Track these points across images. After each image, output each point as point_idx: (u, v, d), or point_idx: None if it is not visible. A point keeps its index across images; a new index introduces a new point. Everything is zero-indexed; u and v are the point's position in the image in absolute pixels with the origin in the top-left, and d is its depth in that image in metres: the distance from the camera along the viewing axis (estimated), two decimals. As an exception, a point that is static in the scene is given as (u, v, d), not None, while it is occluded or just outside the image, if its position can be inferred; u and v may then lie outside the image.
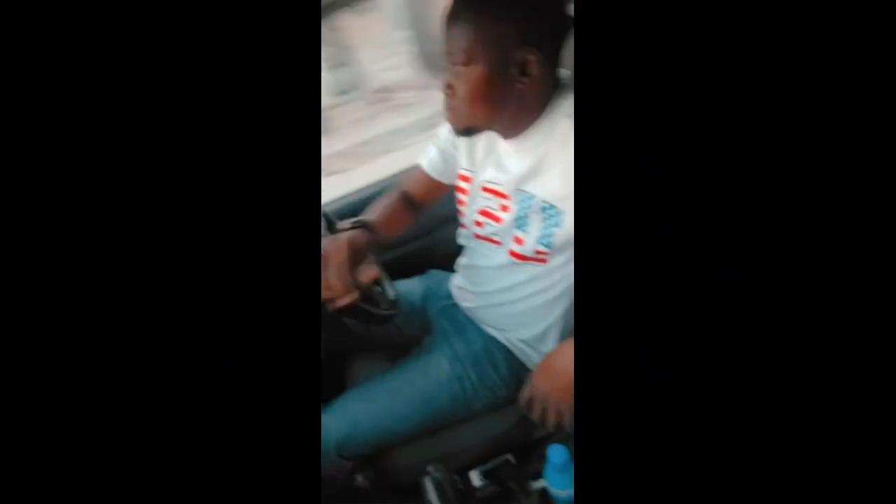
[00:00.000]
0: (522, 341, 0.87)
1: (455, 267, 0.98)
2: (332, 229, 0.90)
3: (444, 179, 0.94)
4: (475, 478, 0.81)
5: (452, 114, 0.73)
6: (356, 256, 0.76)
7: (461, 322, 0.93)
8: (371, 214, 0.90)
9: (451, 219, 0.94)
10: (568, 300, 0.82)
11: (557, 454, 0.71)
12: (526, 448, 0.86)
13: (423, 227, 1.15)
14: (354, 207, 1.12)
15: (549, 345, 0.85)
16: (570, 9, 0.69)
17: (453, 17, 0.68)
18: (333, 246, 0.75)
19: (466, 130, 0.74)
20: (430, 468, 0.76)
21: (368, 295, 0.80)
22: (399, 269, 1.08)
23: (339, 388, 0.94)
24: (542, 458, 0.73)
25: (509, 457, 0.84)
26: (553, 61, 0.71)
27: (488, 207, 0.82)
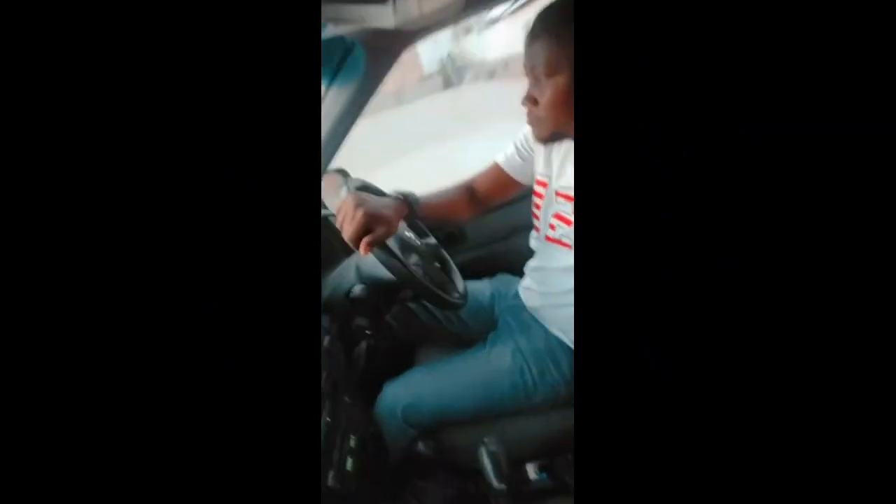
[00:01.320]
0: None
1: (525, 270, 1.03)
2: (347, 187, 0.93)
3: (519, 177, 0.99)
4: (531, 470, 0.83)
5: (535, 123, 0.77)
6: (372, 221, 0.75)
7: (526, 320, 0.98)
8: (423, 194, 0.94)
9: (523, 228, 1.00)
10: None
11: None
12: None
13: (498, 233, 1.22)
14: None
15: None
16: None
17: (536, 31, 0.73)
18: (353, 203, 0.75)
19: (549, 138, 0.79)
20: (486, 439, 0.77)
21: (441, 283, 0.86)
22: (472, 269, 1.14)
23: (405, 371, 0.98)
24: None
25: (569, 456, 0.86)
26: None
27: (562, 212, 0.87)
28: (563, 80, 0.72)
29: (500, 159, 1.00)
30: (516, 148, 0.97)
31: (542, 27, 0.72)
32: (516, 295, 1.04)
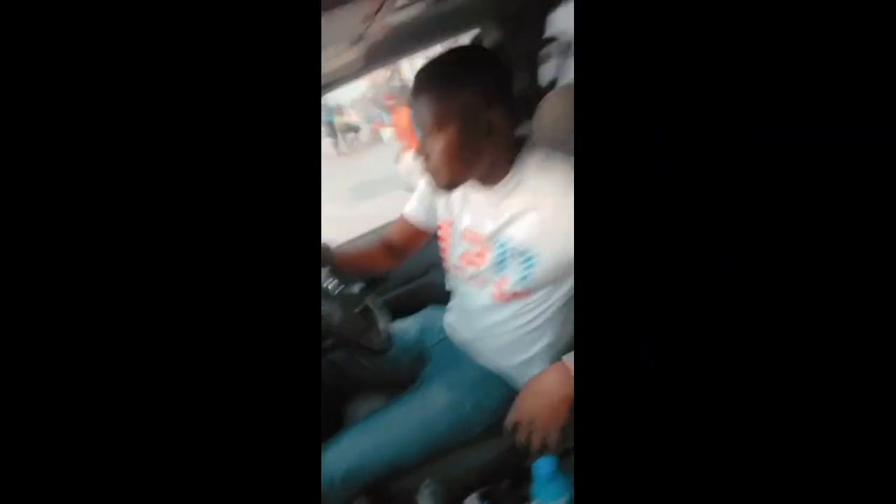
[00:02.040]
0: (513, 367, 0.92)
1: (448, 306, 1.05)
2: None
3: (426, 227, 1.01)
4: (472, 502, 0.83)
5: (433, 173, 0.79)
6: None
7: (455, 354, 0.99)
8: (340, 246, 0.95)
9: (441, 261, 1.00)
10: (553, 325, 0.88)
11: (543, 467, 0.73)
12: (523, 471, 0.87)
13: (421, 268, 1.23)
14: None
15: (538, 368, 0.89)
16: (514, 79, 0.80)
17: (420, 89, 0.75)
18: None
19: (448, 186, 0.80)
20: (424, 483, 0.78)
21: (362, 330, 0.87)
22: (400, 306, 1.15)
23: (338, 426, 0.97)
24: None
25: (507, 481, 0.87)
26: (512, 120, 0.79)
27: (469, 252, 0.89)
28: (451, 133, 0.73)
29: (406, 211, 1.01)
30: (418, 199, 0.99)
31: (424, 84, 0.75)
32: (444, 329, 1.05)
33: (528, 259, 0.80)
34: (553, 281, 0.82)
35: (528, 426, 0.79)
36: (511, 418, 0.81)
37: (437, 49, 0.89)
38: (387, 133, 8.67)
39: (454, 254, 0.92)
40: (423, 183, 0.96)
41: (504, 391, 0.92)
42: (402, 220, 1.02)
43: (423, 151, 0.77)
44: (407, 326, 1.11)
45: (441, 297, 1.07)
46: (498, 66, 0.78)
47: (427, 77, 0.75)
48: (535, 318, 0.86)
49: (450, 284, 0.99)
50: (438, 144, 0.74)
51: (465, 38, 1.19)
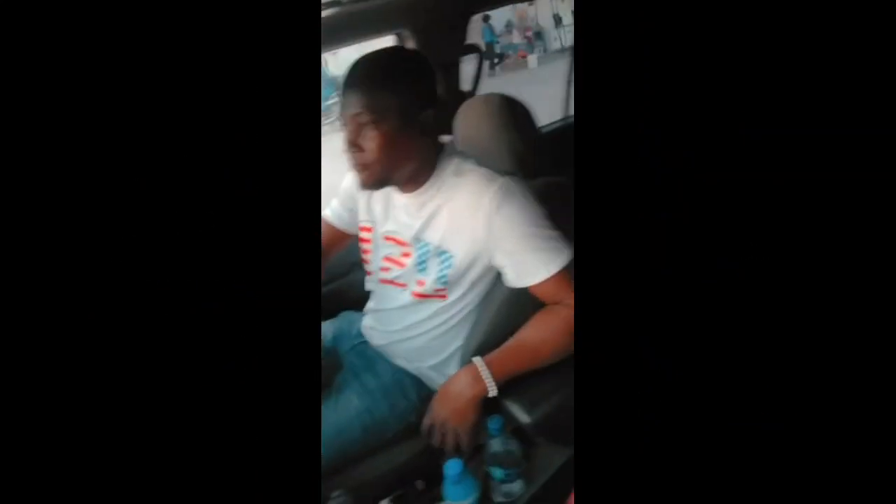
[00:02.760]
0: (430, 368, 0.94)
1: (365, 310, 1.04)
2: None
3: (348, 229, 1.00)
4: None
5: (361, 170, 0.78)
6: None
7: (371, 357, 0.99)
8: None
9: (360, 264, 1.00)
10: (466, 327, 0.90)
11: (452, 468, 0.75)
12: (437, 472, 0.88)
13: (336, 272, 1.23)
14: None
15: (452, 368, 0.91)
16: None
17: (358, 81, 0.75)
18: None
19: (375, 184, 0.80)
20: (332, 495, 0.77)
21: None
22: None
23: None
24: None
25: (419, 482, 0.87)
26: (436, 125, 0.80)
27: (392, 255, 0.90)
28: (388, 129, 0.73)
29: (327, 213, 1.01)
30: (340, 201, 0.99)
31: (363, 77, 0.75)
32: (360, 333, 1.04)
33: (446, 259, 0.83)
34: (468, 281, 0.85)
35: (440, 428, 0.81)
36: (426, 421, 0.84)
37: (351, 49, 0.88)
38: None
39: (377, 256, 0.92)
40: (345, 183, 0.96)
41: (420, 393, 0.93)
42: (324, 224, 1.01)
43: (353, 145, 0.76)
44: (322, 331, 1.09)
45: (358, 302, 1.07)
46: (430, 71, 0.80)
47: (367, 70, 0.76)
48: (451, 318, 0.88)
49: (369, 285, 0.99)
50: (374, 140, 0.74)
51: (379, 43, 1.19)
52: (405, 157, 0.78)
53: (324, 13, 0.73)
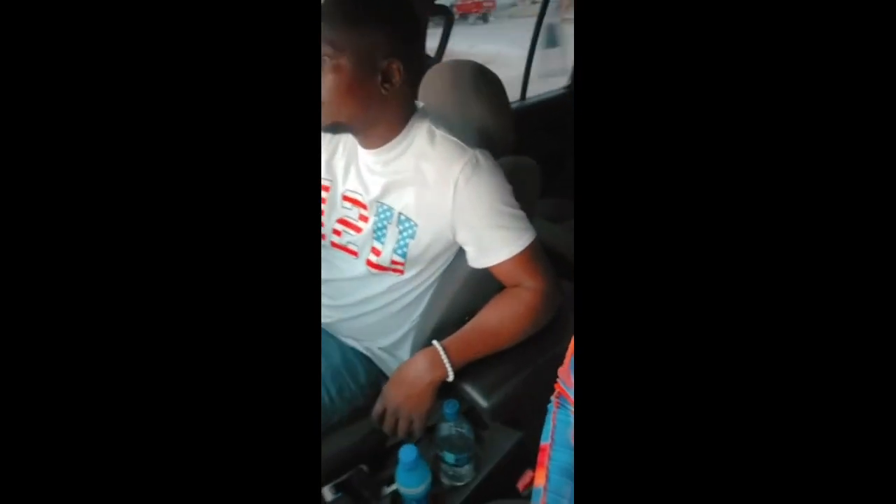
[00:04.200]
0: (381, 349, 0.91)
1: None
2: None
3: None
4: (327, 493, 0.81)
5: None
6: None
7: None
8: None
9: None
10: (421, 306, 0.88)
11: (406, 454, 0.74)
12: (381, 456, 0.88)
13: None
14: None
15: (405, 350, 0.90)
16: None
17: (326, 9, 0.69)
18: None
19: (330, 127, 0.75)
20: (330, 499, 0.76)
21: None
22: None
23: None
24: (396, 464, 0.76)
25: (363, 466, 0.86)
26: (412, 83, 0.77)
27: (348, 217, 0.85)
28: (346, 63, 0.69)
29: None
30: None
31: (333, 7, 0.70)
32: None
33: (408, 228, 0.79)
34: (428, 256, 0.82)
35: (394, 414, 0.79)
36: (378, 407, 0.81)
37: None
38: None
39: (331, 218, 0.87)
40: None
41: (369, 376, 0.90)
42: None
43: None
44: None
45: None
46: (411, 18, 0.75)
47: (337, 3, 0.70)
48: (406, 294, 0.85)
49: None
50: (328, 75, 0.69)
51: None
52: (361, 104, 0.72)
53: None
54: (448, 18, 1.33)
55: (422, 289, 0.86)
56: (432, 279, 0.86)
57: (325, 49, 0.69)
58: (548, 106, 2.26)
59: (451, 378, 0.78)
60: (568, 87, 2.36)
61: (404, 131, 0.78)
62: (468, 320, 0.82)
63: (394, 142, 0.78)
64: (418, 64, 0.76)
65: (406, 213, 0.79)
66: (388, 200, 0.80)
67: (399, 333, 0.89)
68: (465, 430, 0.81)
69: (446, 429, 0.80)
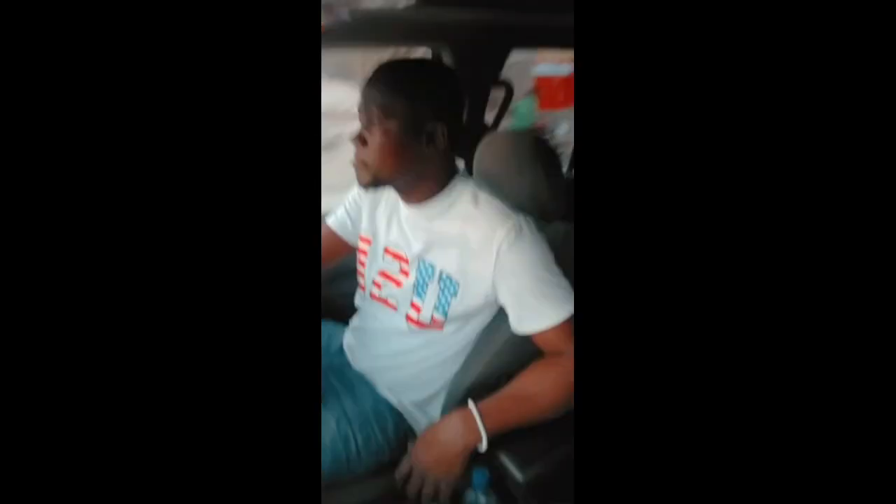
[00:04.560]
0: (413, 403, 0.89)
1: (348, 327, 1.00)
2: None
3: (349, 239, 0.97)
4: None
5: (360, 166, 0.78)
6: None
7: (351, 379, 0.93)
8: None
9: (348, 272, 0.98)
10: (458, 363, 0.87)
11: (479, 476, 0.71)
12: None
13: (327, 276, 1.18)
14: None
15: (436, 407, 0.89)
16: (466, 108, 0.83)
17: (377, 79, 0.75)
18: None
19: (372, 182, 0.78)
20: None
21: None
22: None
23: None
24: None
25: None
26: (453, 146, 0.79)
27: (388, 270, 0.87)
28: (393, 126, 0.73)
29: (331, 221, 0.98)
30: (345, 209, 0.96)
31: (383, 75, 0.75)
32: (341, 350, 0.99)
33: (450, 286, 0.80)
34: (467, 315, 0.82)
35: (420, 477, 0.76)
36: (404, 467, 0.77)
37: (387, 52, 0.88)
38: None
39: (372, 270, 0.89)
40: (351, 194, 0.95)
41: (398, 430, 0.89)
42: (326, 230, 0.98)
43: (359, 138, 0.76)
44: None
45: (341, 312, 1.02)
46: (456, 89, 0.80)
47: (389, 70, 0.76)
48: (443, 351, 0.85)
49: (359, 301, 0.96)
50: (377, 136, 0.74)
51: (416, 52, 1.19)
52: (405, 163, 0.76)
53: (372, 12, 0.73)
54: (508, 91, 1.41)
55: (460, 346, 0.86)
56: (471, 336, 0.86)
57: (376, 111, 0.74)
58: None
59: (483, 448, 0.74)
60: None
61: (447, 189, 0.81)
62: (504, 383, 0.78)
63: (437, 199, 0.81)
64: (460, 126, 0.80)
65: (448, 272, 0.80)
66: (431, 258, 0.82)
67: (432, 389, 0.88)
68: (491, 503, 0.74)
69: (472, 497, 0.74)
